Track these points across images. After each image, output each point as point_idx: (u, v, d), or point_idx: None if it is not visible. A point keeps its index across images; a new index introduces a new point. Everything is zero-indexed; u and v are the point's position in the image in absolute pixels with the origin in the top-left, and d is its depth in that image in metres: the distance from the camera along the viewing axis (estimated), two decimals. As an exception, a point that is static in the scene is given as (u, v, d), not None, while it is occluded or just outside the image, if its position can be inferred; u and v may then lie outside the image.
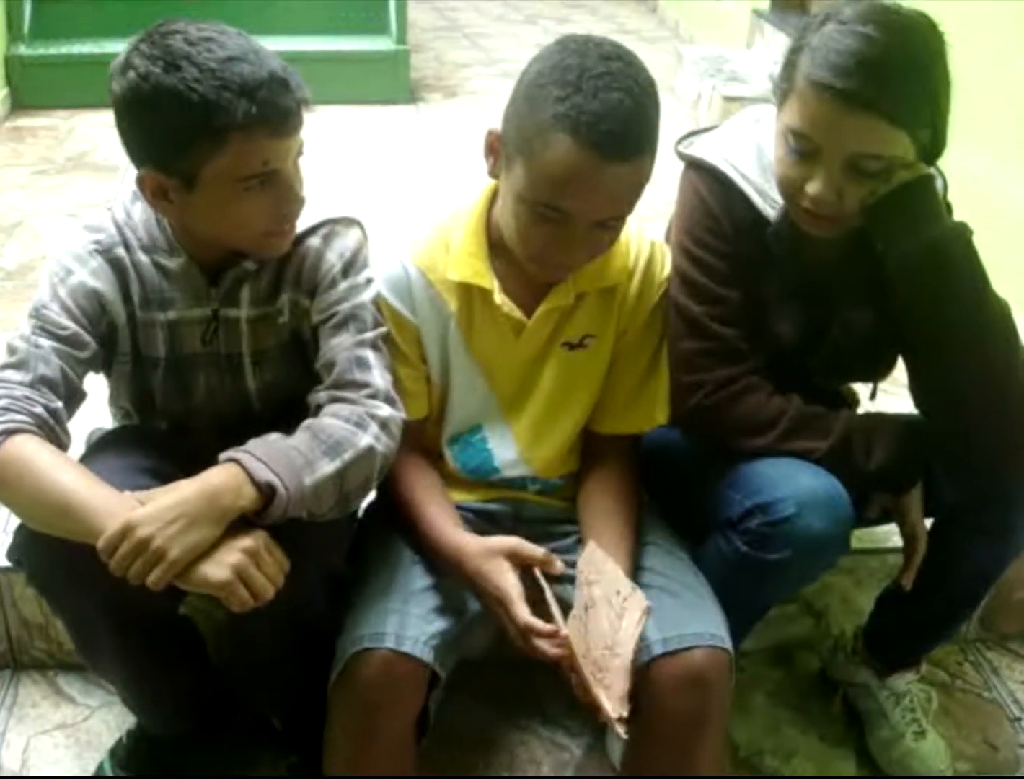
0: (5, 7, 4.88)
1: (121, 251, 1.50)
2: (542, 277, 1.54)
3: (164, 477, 1.38)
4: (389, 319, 1.57)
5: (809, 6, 4.88)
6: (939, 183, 1.56)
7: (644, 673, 1.47)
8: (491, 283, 1.56)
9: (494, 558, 1.48)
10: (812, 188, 1.47)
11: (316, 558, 1.44)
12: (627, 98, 1.36)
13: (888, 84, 1.40)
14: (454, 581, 1.53)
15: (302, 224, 1.52)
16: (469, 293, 1.58)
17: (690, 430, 1.65)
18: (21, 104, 4.84)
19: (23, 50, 4.89)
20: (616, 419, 1.67)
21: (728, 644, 1.50)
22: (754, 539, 1.51)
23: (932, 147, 1.48)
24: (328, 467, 1.37)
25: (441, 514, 1.57)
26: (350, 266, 1.54)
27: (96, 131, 4.49)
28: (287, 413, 1.52)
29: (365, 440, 1.42)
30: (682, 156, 1.65)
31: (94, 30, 4.83)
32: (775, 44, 5.07)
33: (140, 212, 1.51)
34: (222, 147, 1.33)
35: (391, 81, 5.22)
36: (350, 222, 1.58)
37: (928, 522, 1.64)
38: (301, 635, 1.54)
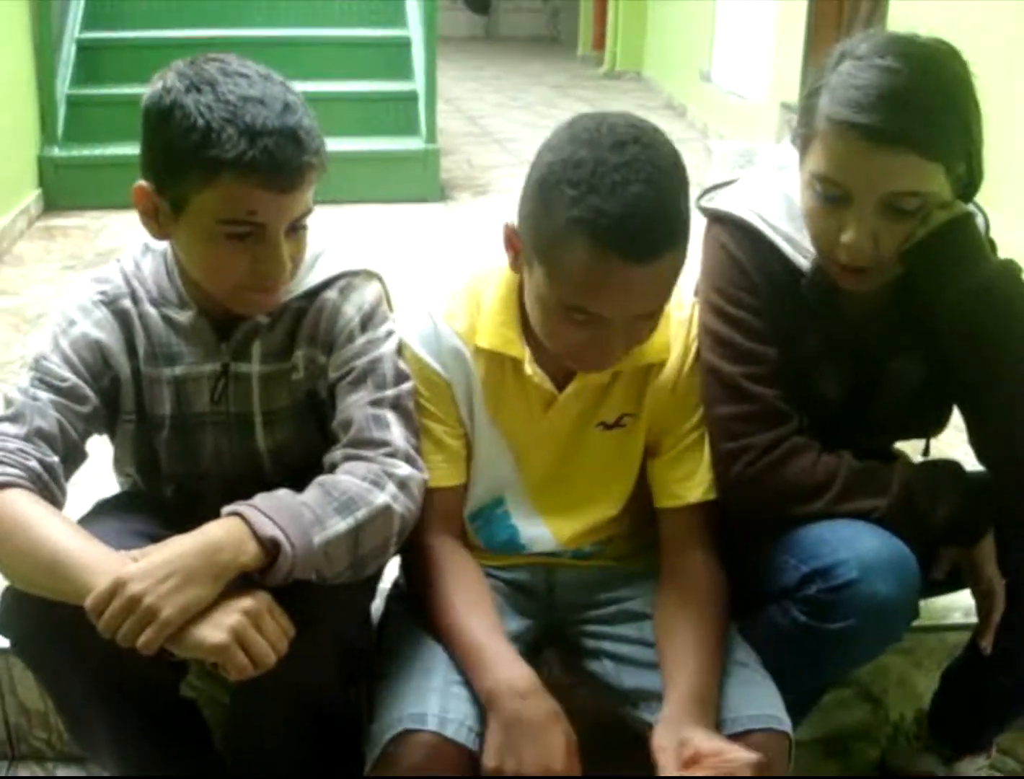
0: (39, 110, 4.98)
1: (127, 303, 1.45)
2: (579, 369, 1.45)
3: None
4: (420, 375, 1.48)
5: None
6: (980, 220, 1.48)
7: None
8: (522, 352, 1.46)
9: (558, 731, 1.30)
10: (847, 237, 1.38)
11: (329, 629, 1.32)
12: (648, 190, 1.25)
13: (916, 115, 1.32)
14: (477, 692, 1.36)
15: (318, 276, 1.46)
16: (499, 361, 1.49)
17: (737, 504, 1.52)
18: (54, 205, 4.90)
19: (56, 152, 4.98)
20: (670, 490, 1.53)
21: (787, 726, 1.38)
22: (814, 608, 1.39)
23: (969, 181, 1.40)
24: (340, 525, 1.28)
25: (485, 619, 1.41)
26: (368, 320, 1.46)
27: (128, 230, 4.51)
28: (301, 478, 1.41)
29: (382, 498, 1.32)
30: (705, 211, 1.57)
31: (126, 133, 4.82)
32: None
33: (150, 264, 1.47)
34: (213, 182, 1.28)
35: (422, 180, 5.29)
36: (369, 275, 1.51)
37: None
38: (314, 720, 1.41)
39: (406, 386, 1.45)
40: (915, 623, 1.46)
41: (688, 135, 7.04)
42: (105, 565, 1.20)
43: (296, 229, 1.37)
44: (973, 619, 1.56)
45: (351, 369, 1.44)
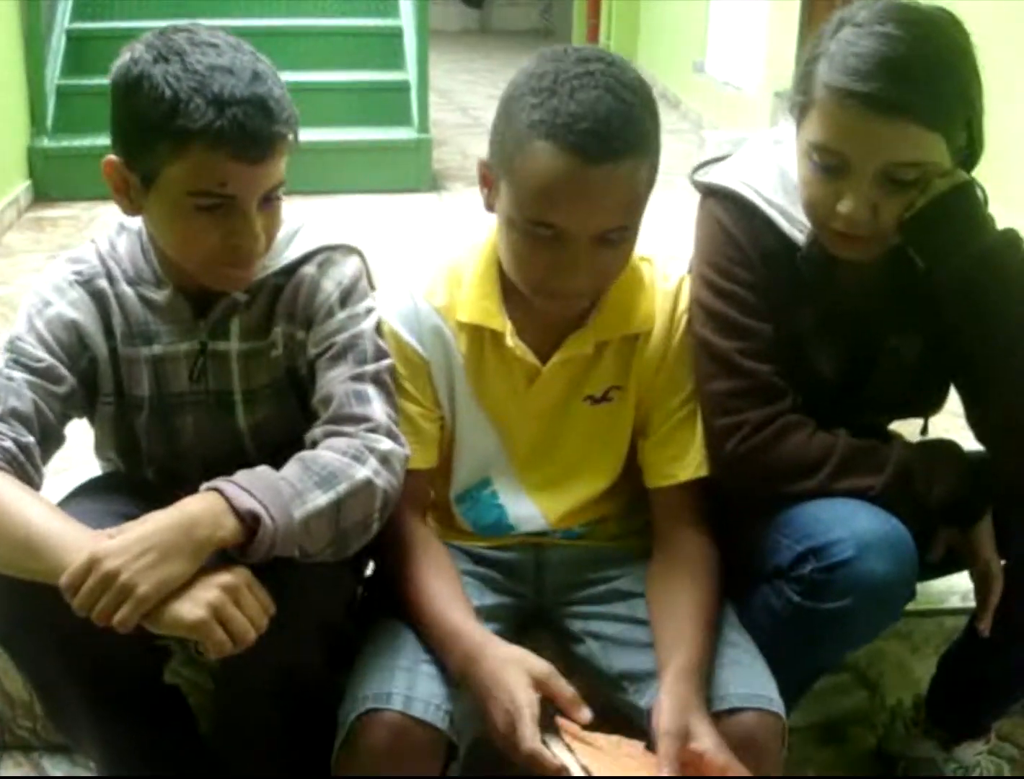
0: (28, 100, 4.96)
1: (103, 282, 1.43)
2: (552, 310, 1.42)
3: None
4: (398, 354, 1.46)
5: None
6: (979, 193, 1.45)
7: None
8: (503, 325, 1.44)
9: (517, 669, 1.29)
10: (844, 206, 1.35)
11: (312, 608, 1.29)
12: (607, 95, 1.27)
13: (915, 83, 1.30)
14: (449, 672, 1.34)
15: (296, 251, 1.43)
16: (480, 336, 1.46)
17: (730, 481, 1.49)
18: (43, 195, 4.89)
19: (46, 142, 4.96)
20: (660, 469, 1.50)
21: (779, 707, 1.35)
22: (808, 587, 1.36)
23: (969, 152, 1.38)
24: (321, 499, 1.25)
25: (454, 600, 1.39)
26: (348, 295, 1.44)
27: (117, 221, 4.47)
28: (282, 457, 1.38)
29: (363, 472, 1.29)
30: (698, 185, 1.54)
31: (117, 123, 4.86)
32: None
33: (125, 243, 1.45)
34: (182, 153, 1.26)
35: (414, 169, 5.28)
36: (349, 250, 1.48)
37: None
38: (296, 700, 1.38)
39: (386, 362, 1.42)
40: (912, 607, 1.44)
41: (682, 126, 7.02)
42: (80, 543, 1.17)
43: (269, 201, 1.34)
44: (971, 603, 1.53)
45: (331, 345, 1.41)
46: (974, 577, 1.49)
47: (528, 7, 13.39)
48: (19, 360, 1.36)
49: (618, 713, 1.42)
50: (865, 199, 1.34)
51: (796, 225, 1.46)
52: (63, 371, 1.37)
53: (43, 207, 4.81)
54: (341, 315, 1.42)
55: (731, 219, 1.48)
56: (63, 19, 5.40)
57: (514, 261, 1.36)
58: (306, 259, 1.45)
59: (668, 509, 1.50)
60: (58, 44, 5.31)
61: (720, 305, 1.47)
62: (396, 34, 5.69)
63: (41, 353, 1.37)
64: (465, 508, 1.54)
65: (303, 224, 1.47)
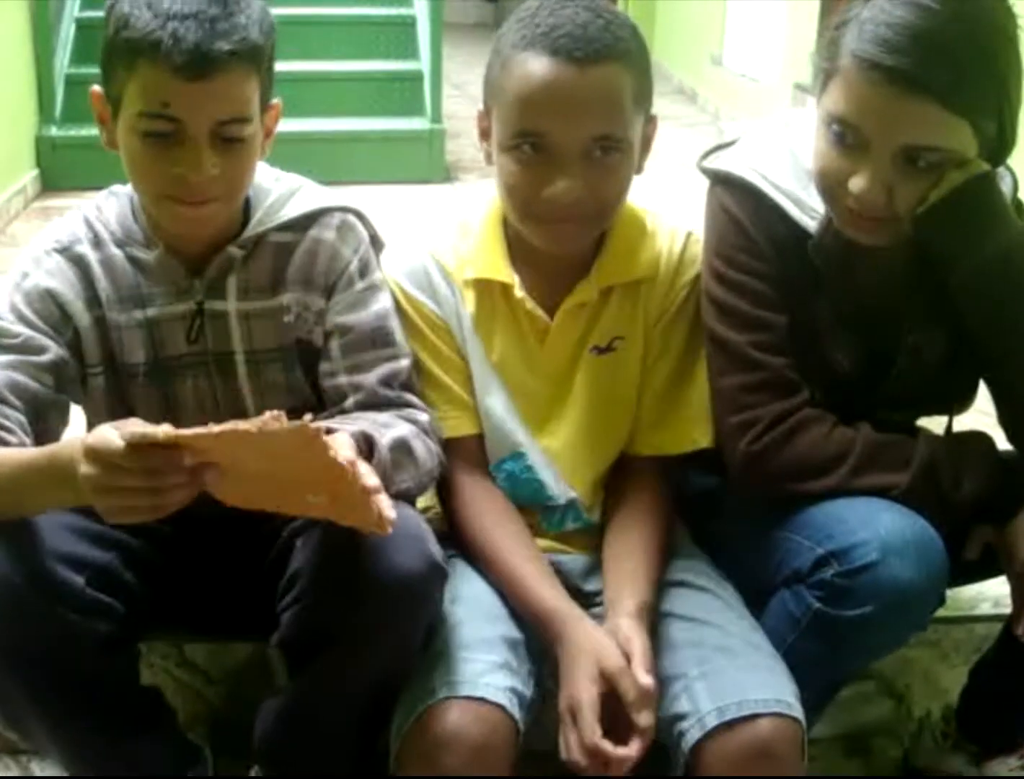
0: (37, 89, 4.92)
1: (83, 248, 1.39)
2: (552, 244, 1.40)
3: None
4: (421, 318, 1.46)
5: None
6: (1007, 181, 1.38)
7: (697, 750, 1.26)
8: (511, 278, 1.45)
9: (588, 661, 1.28)
10: (856, 184, 1.29)
11: (415, 617, 1.28)
12: (585, 12, 1.32)
13: (947, 63, 1.23)
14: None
15: (296, 209, 1.41)
16: (489, 293, 1.45)
17: (746, 480, 1.43)
18: (51, 185, 4.83)
19: (54, 131, 4.91)
20: (647, 436, 1.49)
21: (798, 712, 1.29)
22: (829, 593, 1.31)
23: (999, 144, 1.30)
24: (393, 432, 1.31)
25: (534, 567, 1.39)
26: (366, 265, 1.44)
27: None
28: None
29: (413, 426, 1.35)
30: (706, 172, 1.48)
31: (126, 112, 4.83)
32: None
33: (114, 206, 1.42)
34: (132, 70, 1.26)
35: (427, 160, 5.22)
36: (358, 214, 1.47)
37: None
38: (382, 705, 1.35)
39: (407, 359, 1.42)
40: (941, 613, 1.38)
41: (700, 120, 6.95)
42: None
43: (229, 140, 1.30)
44: (1003, 610, 1.49)
45: (353, 325, 1.40)
46: (1011, 578, 1.42)
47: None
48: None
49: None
50: (880, 179, 1.28)
51: (807, 212, 1.41)
52: (44, 341, 1.35)
53: (50, 196, 4.75)
54: (360, 284, 1.42)
55: (740, 207, 1.43)
56: (72, 8, 5.34)
57: (507, 188, 1.37)
58: (312, 219, 1.42)
59: (633, 474, 1.50)
60: (67, 33, 5.25)
61: (731, 297, 1.41)
62: (410, 24, 5.64)
63: (19, 328, 1.34)
64: (500, 479, 1.49)
65: (304, 183, 1.45)
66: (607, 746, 1.23)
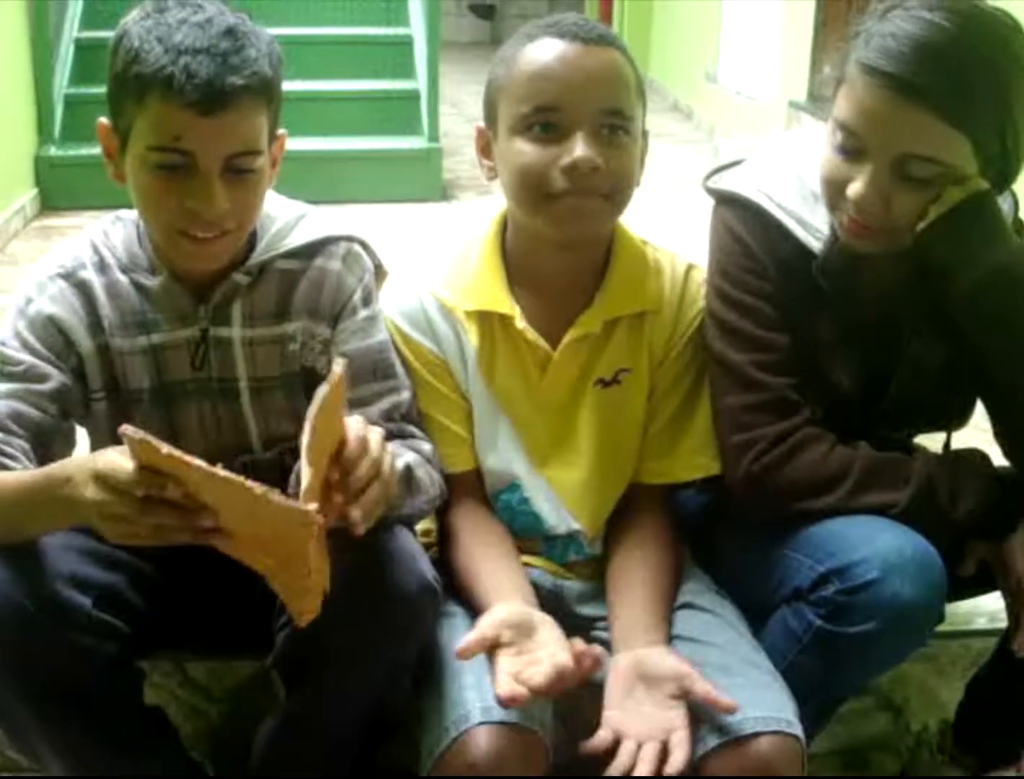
0: (36, 109, 4.94)
1: (87, 274, 1.39)
2: (566, 221, 1.37)
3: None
4: (417, 358, 1.45)
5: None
6: (1008, 202, 1.40)
7: (699, 769, 1.26)
8: (511, 309, 1.42)
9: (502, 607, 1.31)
10: (853, 190, 1.31)
11: (411, 636, 1.29)
12: (588, 21, 1.41)
13: (949, 76, 1.25)
14: None
15: (302, 237, 1.41)
16: (490, 325, 1.45)
17: (747, 500, 1.44)
18: (50, 204, 4.86)
19: (53, 151, 4.93)
20: (653, 465, 1.49)
21: (798, 729, 1.29)
22: (830, 610, 1.31)
23: (1002, 167, 1.31)
24: (400, 460, 1.31)
25: (507, 586, 1.38)
26: (368, 294, 1.44)
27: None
28: (288, 456, 1.40)
29: (417, 456, 1.36)
30: (711, 191, 1.49)
31: (125, 132, 4.84)
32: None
33: (120, 231, 1.42)
34: (142, 104, 1.26)
35: (424, 179, 5.25)
36: (362, 243, 1.47)
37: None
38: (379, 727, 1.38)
39: (408, 392, 1.43)
40: (937, 628, 1.38)
41: (695, 137, 6.98)
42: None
43: (240, 172, 1.30)
44: (999, 624, 1.50)
45: (356, 357, 1.39)
46: (1006, 595, 1.42)
47: (539, 19, 13.40)
48: (1, 369, 1.33)
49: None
50: (877, 186, 1.30)
51: (812, 232, 1.42)
52: (47, 368, 1.35)
53: (49, 216, 4.78)
54: (363, 314, 1.42)
55: (745, 227, 1.44)
56: (72, 28, 5.37)
57: (521, 172, 1.36)
58: (317, 247, 1.42)
59: (636, 503, 1.50)
60: (66, 53, 5.28)
61: (734, 317, 1.43)
62: (407, 43, 5.66)
63: (22, 355, 1.34)
64: (499, 509, 1.50)
65: (308, 210, 1.45)
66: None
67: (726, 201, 1.47)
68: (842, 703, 1.53)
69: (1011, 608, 1.42)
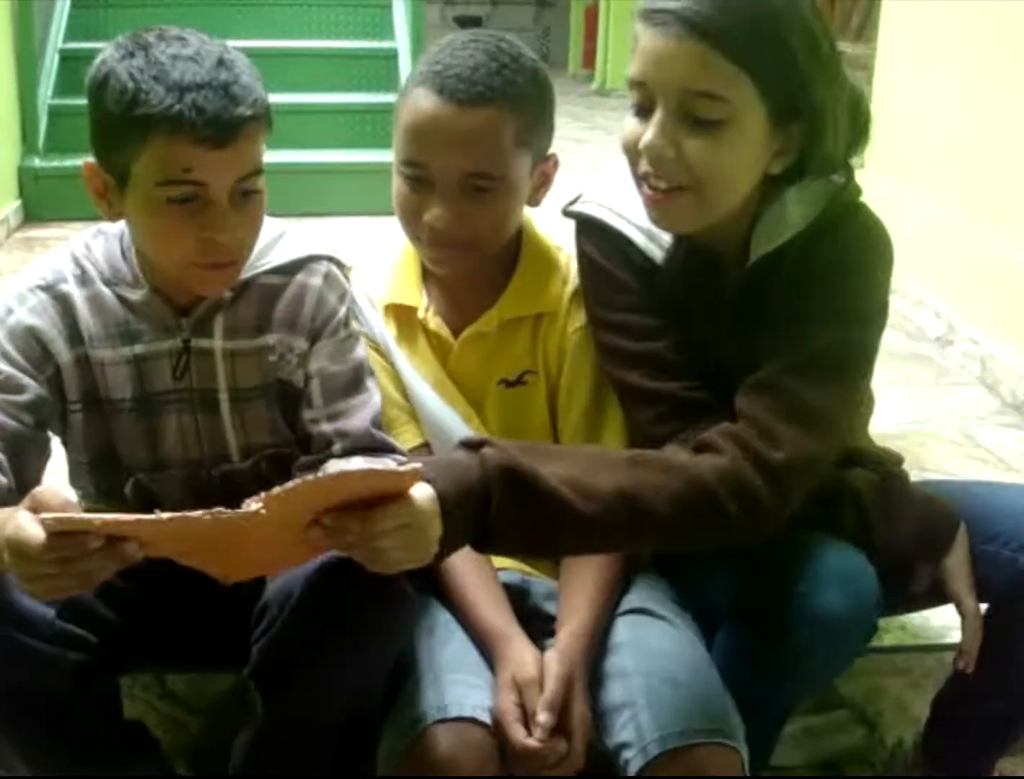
0: (20, 120, 4.92)
1: (68, 287, 1.40)
2: (440, 265, 1.48)
3: None
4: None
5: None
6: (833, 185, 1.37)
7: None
8: (416, 301, 1.51)
9: (505, 673, 1.34)
10: (644, 140, 1.29)
11: (381, 636, 1.29)
12: (483, 55, 1.39)
13: (723, 9, 1.23)
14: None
15: (285, 255, 1.43)
16: (407, 319, 1.53)
17: None
18: (34, 216, 4.82)
19: (37, 162, 4.90)
20: None
21: (738, 741, 1.31)
22: (760, 626, 1.34)
23: (797, 123, 1.29)
24: None
25: (481, 590, 1.42)
26: (350, 314, 1.47)
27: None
28: (266, 468, 1.44)
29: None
30: (567, 215, 1.49)
31: (109, 143, 4.82)
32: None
33: (101, 245, 1.43)
34: (146, 144, 1.26)
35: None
36: (340, 264, 1.50)
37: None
38: (352, 728, 1.37)
39: (379, 397, 1.47)
40: (912, 642, 1.39)
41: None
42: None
43: (247, 194, 1.32)
44: None
45: (334, 374, 1.43)
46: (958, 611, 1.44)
47: (525, 33, 13.40)
48: None
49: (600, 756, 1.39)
50: (665, 132, 1.27)
51: (657, 242, 1.42)
52: (25, 380, 1.35)
53: (33, 227, 4.74)
54: (343, 333, 1.45)
55: (597, 249, 1.45)
56: (56, 39, 5.34)
57: (397, 208, 1.45)
58: (299, 265, 1.44)
59: None
60: (51, 64, 5.25)
61: (610, 337, 1.44)
62: (392, 56, 5.66)
63: (1, 365, 1.34)
64: None
65: (287, 228, 1.47)
66: (532, 743, 1.28)
67: (579, 224, 1.48)
68: (790, 714, 1.53)
69: (963, 625, 1.44)
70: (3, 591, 1.23)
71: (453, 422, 1.51)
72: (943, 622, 1.79)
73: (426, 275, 1.53)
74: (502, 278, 1.51)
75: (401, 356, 1.52)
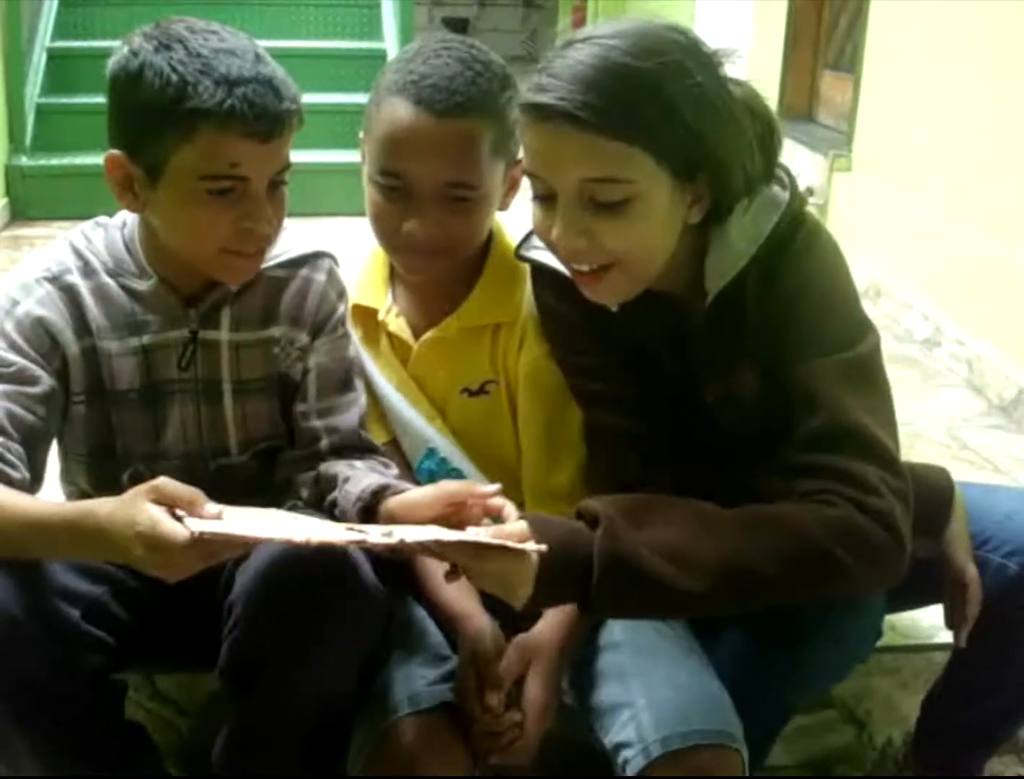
0: (7, 118, 4.90)
1: (73, 277, 1.39)
2: (412, 273, 1.49)
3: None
4: None
5: (817, 113, 4.82)
6: (780, 196, 1.31)
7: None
8: (378, 303, 1.53)
9: (468, 645, 1.38)
10: (555, 234, 1.25)
11: (349, 637, 1.30)
12: (457, 64, 1.38)
13: (599, 92, 1.18)
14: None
15: (292, 249, 1.45)
16: (372, 321, 1.53)
17: None
18: (21, 215, 4.81)
19: (24, 161, 4.89)
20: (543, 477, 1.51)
21: (739, 742, 1.31)
22: (765, 630, 1.33)
23: (704, 164, 1.24)
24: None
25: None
26: (345, 313, 1.50)
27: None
28: (264, 460, 1.47)
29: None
30: (519, 258, 1.47)
31: (97, 142, 4.72)
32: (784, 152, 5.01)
33: (102, 237, 1.43)
34: (191, 136, 1.25)
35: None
36: (335, 261, 1.52)
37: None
38: (325, 729, 1.37)
39: (364, 396, 1.50)
40: (901, 643, 1.39)
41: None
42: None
43: (276, 185, 1.34)
44: None
45: (331, 371, 1.46)
46: (947, 591, 1.44)
47: (512, 34, 13.42)
48: None
49: (594, 755, 1.40)
50: (572, 223, 1.23)
51: None
52: (37, 371, 1.34)
53: (20, 226, 4.72)
54: (341, 331, 1.48)
55: (552, 293, 1.44)
56: (44, 37, 5.33)
57: (371, 217, 1.45)
58: (304, 260, 1.47)
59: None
60: (39, 62, 5.24)
61: (574, 380, 1.45)
62: (380, 56, 5.65)
63: (12, 356, 1.34)
64: (424, 481, 1.50)
65: (287, 225, 1.47)
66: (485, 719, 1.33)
67: (533, 270, 1.46)
68: (790, 716, 1.53)
69: (954, 602, 1.43)
70: (36, 591, 1.24)
71: (418, 422, 1.53)
72: (932, 622, 1.79)
73: (394, 277, 1.54)
74: (468, 283, 1.51)
75: (366, 356, 1.53)
